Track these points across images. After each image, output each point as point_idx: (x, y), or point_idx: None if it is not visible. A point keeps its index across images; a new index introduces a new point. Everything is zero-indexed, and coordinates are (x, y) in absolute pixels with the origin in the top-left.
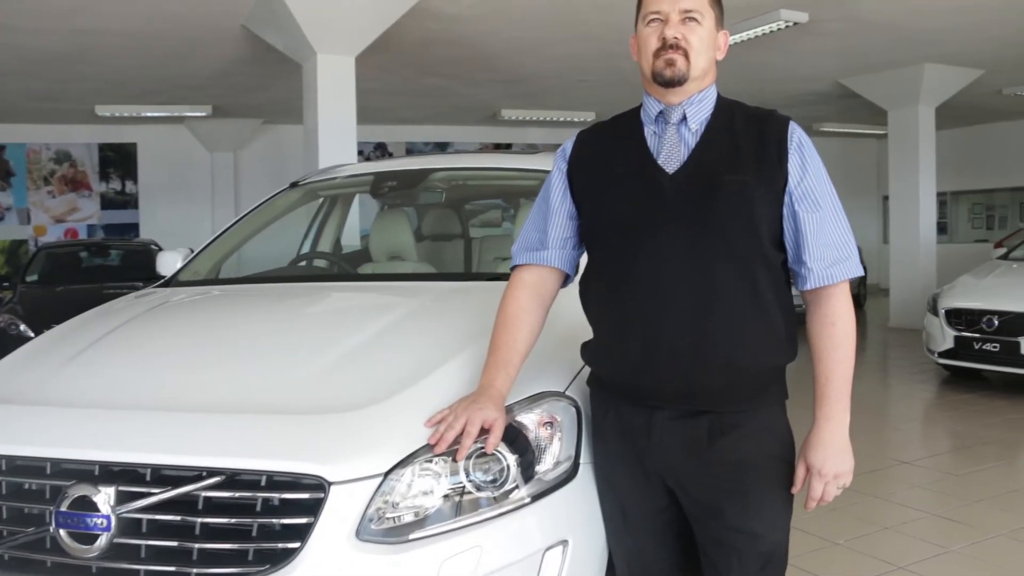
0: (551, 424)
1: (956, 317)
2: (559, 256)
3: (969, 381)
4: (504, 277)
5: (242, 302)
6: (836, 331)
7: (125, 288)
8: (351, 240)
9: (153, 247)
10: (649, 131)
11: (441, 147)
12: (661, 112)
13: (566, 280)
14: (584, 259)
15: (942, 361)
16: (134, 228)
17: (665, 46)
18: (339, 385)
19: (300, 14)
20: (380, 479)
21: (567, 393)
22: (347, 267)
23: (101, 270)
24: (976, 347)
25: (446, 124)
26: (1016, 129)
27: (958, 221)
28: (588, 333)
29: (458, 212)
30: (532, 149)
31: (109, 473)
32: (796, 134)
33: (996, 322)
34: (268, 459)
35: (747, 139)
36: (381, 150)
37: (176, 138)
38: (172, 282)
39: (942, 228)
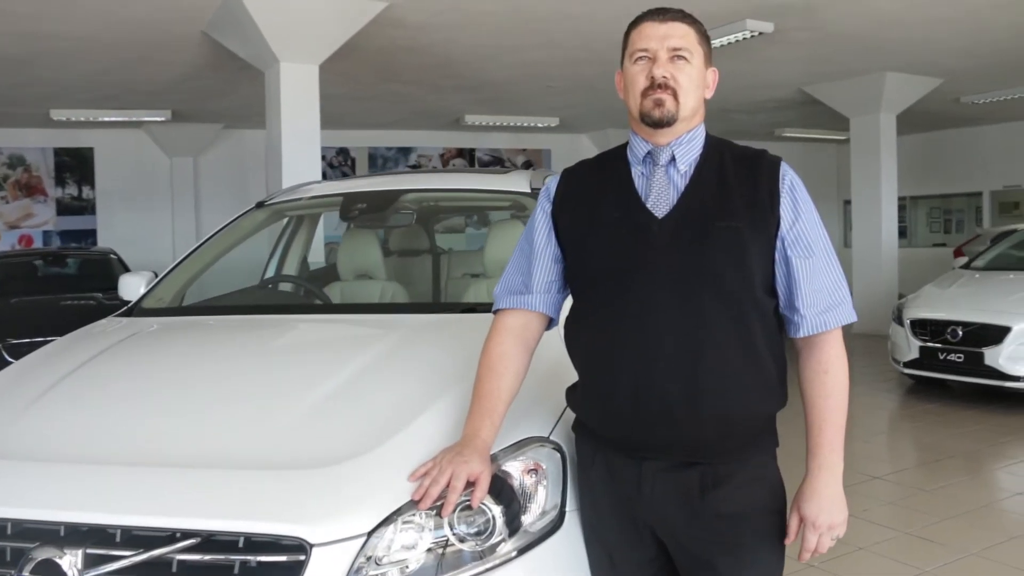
0: (536, 472)
1: (921, 327)
2: (543, 300)
3: (934, 390)
4: (478, 308)
5: (211, 339)
6: (829, 379)
7: (83, 299)
8: (317, 253)
9: (112, 256)
10: (636, 172)
11: (404, 152)
12: (649, 153)
13: (550, 323)
14: (568, 301)
15: (907, 371)
16: (91, 234)
17: (653, 85)
18: (319, 436)
19: (263, 22)
20: (364, 538)
21: (551, 438)
22: (315, 289)
23: (58, 280)
24: (941, 357)
25: (409, 129)
26: (972, 136)
27: (917, 225)
28: (571, 372)
29: (426, 228)
30: (496, 153)
31: (76, 534)
32: (788, 176)
33: (960, 333)
34: (246, 520)
35: (737, 181)
36: (343, 155)
37: (134, 143)
38: (136, 310)
39: (901, 232)
